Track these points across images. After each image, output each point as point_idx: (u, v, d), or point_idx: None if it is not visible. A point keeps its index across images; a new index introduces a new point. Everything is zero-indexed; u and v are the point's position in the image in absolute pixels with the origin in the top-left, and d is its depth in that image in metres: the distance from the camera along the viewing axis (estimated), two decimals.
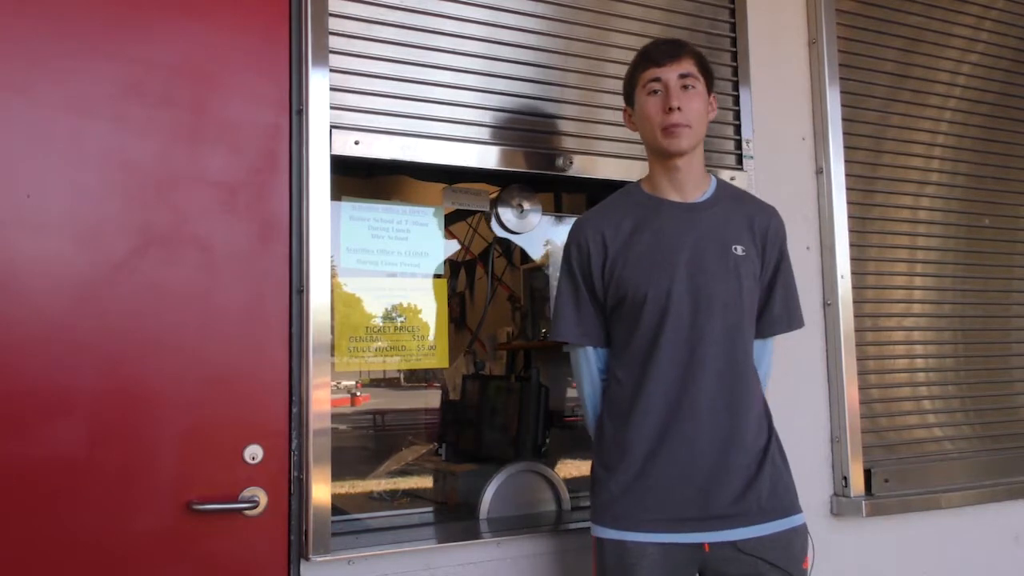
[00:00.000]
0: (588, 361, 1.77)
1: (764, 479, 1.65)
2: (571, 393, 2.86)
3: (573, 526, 1.99)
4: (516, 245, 2.72)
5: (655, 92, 1.69)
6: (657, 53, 1.71)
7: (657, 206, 1.74)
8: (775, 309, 1.77)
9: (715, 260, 1.68)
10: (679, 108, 1.66)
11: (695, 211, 1.73)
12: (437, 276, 2.07)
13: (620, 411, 1.69)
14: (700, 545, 1.62)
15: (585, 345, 1.76)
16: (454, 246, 2.47)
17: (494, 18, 2.01)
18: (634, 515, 1.63)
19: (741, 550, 1.61)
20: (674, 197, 1.74)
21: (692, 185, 1.74)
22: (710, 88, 1.74)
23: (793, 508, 1.68)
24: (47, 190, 1.57)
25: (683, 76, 1.68)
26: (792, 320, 1.80)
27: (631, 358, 1.69)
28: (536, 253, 2.69)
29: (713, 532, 1.62)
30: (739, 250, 1.69)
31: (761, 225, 1.75)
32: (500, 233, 2.27)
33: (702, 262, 1.67)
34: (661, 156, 1.73)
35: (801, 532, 1.68)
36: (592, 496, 1.73)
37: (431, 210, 2.08)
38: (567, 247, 1.79)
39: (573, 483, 2.22)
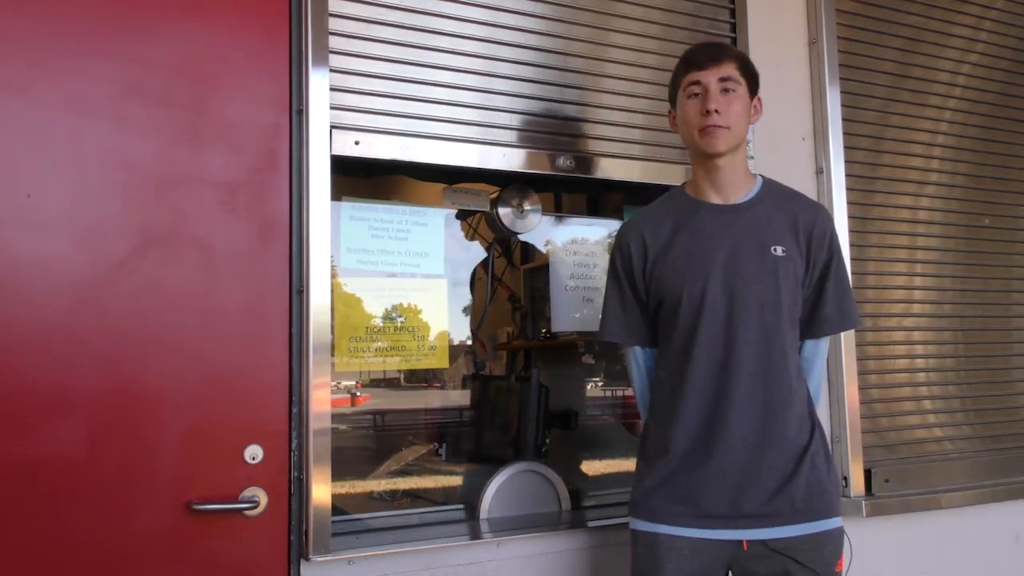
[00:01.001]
0: (637, 360, 1.83)
1: (800, 480, 1.65)
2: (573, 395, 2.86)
3: (573, 526, 1.99)
4: (516, 244, 2.72)
5: (695, 95, 1.71)
6: (698, 56, 1.73)
7: (696, 208, 1.76)
8: (826, 308, 1.75)
9: (752, 261, 1.69)
10: (716, 111, 1.67)
11: (734, 212, 1.74)
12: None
13: (662, 410, 1.73)
14: (732, 543, 1.63)
15: (633, 345, 1.82)
16: (475, 250, 2.48)
17: (494, 18, 2.01)
18: (667, 509, 1.66)
19: (772, 548, 1.63)
20: (715, 199, 1.76)
21: (734, 186, 1.75)
22: (754, 91, 1.76)
23: (828, 511, 1.67)
24: (47, 190, 1.57)
25: (723, 79, 1.69)
26: (845, 319, 1.77)
27: (671, 358, 1.73)
28: (536, 253, 2.69)
29: (745, 530, 1.63)
30: (779, 251, 1.69)
31: (806, 224, 1.73)
32: (523, 237, 2.30)
33: (738, 263, 1.68)
34: (702, 158, 1.75)
35: (835, 536, 1.68)
36: (632, 490, 1.76)
37: (431, 210, 2.08)
38: (612, 250, 1.85)
39: (572, 483, 2.22)
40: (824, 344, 1.80)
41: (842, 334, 2.34)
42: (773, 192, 1.79)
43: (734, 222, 1.73)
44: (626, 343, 1.82)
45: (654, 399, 1.77)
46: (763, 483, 1.64)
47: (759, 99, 1.79)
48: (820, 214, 1.78)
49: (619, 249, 1.82)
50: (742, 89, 1.72)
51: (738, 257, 1.69)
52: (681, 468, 1.67)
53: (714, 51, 1.74)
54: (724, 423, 1.65)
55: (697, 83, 1.70)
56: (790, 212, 1.75)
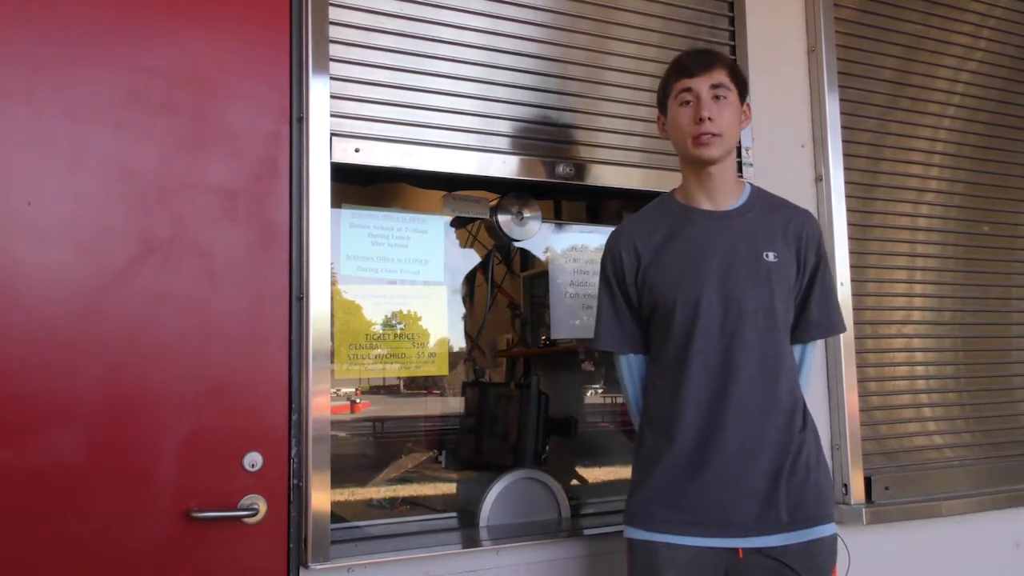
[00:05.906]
0: (631, 368, 1.82)
1: (795, 486, 1.65)
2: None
3: (573, 534, 1.99)
4: (516, 251, 2.72)
5: (687, 103, 1.71)
6: (689, 63, 1.73)
7: (689, 214, 1.76)
8: (813, 314, 1.76)
9: (746, 267, 1.69)
10: (710, 118, 1.67)
11: (726, 219, 1.74)
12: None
13: (657, 418, 1.72)
14: (729, 550, 1.63)
15: (627, 353, 1.81)
16: (471, 258, 2.48)
17: (494, 26, 2.02)
18: (666, 518, 1.65)
19: (768, 555, 1.62)
20: (706, 205, 1.76)
21: (725, 193, 1.76)
22: (743, 97, 1.76)
23: (822, 518, 1.67)
24: (48, 197, 1.57)
25: (715, 87, 1.69)
26: (831, 325, 1.78)
27: (665, 366, 1.72)
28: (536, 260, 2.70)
29: (741, 538, 1.62)
30: (771, 256, 1.70)
31: (795, 230, 1.75)
32: (522, 244, 2.28)
33: (733, 269, 1.69)
34: (693, 165, 1.75)
35: (829, 542, 1.67)
36: (628, 499, 1.74)
37: (431, 217, 2.08)
38: (603, 258, 1.83)
39: (572, 491, 2.22)
40: (810, 351, 1.80)
41: (841, 342, 2.35)
42: (762, 199, 1.80)
43: (727, 228, 1.73)
44: (620, 351, 1.81)
45: (648, 406, 1.76)
46: (759, 489, 1.63)
47: (748, 105, 1.80)
48: (809, 220, 1.79)
49: (610, 256, 1.81)
50: (733, 95, 1.72)
51: (732, 264, 1.69)
52: (679, 475, 1.66)
53: (705, 58, 1.73)
54: (721, 429, 1.64)
55: (689, 90, 1.71)
56: (780, 218, 1.76)
